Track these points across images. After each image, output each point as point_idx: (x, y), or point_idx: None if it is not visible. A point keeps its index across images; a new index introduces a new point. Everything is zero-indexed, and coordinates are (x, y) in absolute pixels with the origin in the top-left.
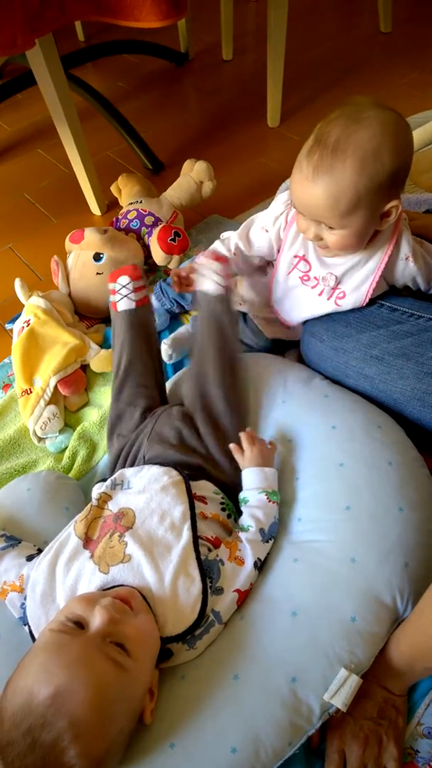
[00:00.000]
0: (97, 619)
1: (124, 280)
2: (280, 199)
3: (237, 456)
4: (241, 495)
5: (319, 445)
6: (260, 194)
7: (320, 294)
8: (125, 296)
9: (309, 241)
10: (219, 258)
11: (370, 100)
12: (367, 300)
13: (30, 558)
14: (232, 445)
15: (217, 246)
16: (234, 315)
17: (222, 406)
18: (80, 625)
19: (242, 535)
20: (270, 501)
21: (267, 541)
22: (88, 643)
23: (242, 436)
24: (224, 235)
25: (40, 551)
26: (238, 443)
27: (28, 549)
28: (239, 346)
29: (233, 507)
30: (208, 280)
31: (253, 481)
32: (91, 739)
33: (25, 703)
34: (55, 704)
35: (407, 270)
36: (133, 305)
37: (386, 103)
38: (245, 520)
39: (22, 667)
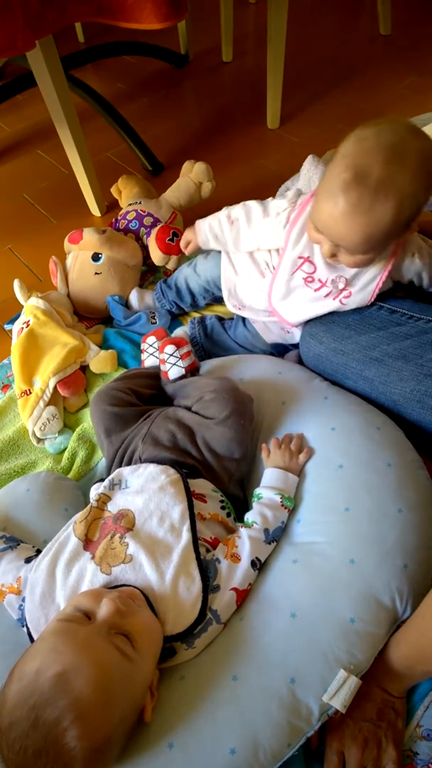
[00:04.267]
0: (103, 609)
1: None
2: (287, 195)
3: (264, 454)
4: (256, 491)
5: (318, 446)
6: (259, 195)
7: (326, 296)
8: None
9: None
10: (176, 341)
11: (406, 123)
12: (373, 299)
13: (28, 560)
14: (262, 446)
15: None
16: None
17: (216, 438)
18: (87, 616)
19: (244, 530)
20: (283, 505)
21: (269, 543)
22: (96, 631)
23: (273, 439)
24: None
25: (39, 552)
26: (243, 455)
27: (27, 551)
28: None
29: (232, 506)
30: (173, 368)
31: (271, 480)
32: (92, 722)
33: (31, 682)
34: (60, 682)
35: (413, 266)
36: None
37: (385, 107)
38: (252, 515)
39: (29, 654)
